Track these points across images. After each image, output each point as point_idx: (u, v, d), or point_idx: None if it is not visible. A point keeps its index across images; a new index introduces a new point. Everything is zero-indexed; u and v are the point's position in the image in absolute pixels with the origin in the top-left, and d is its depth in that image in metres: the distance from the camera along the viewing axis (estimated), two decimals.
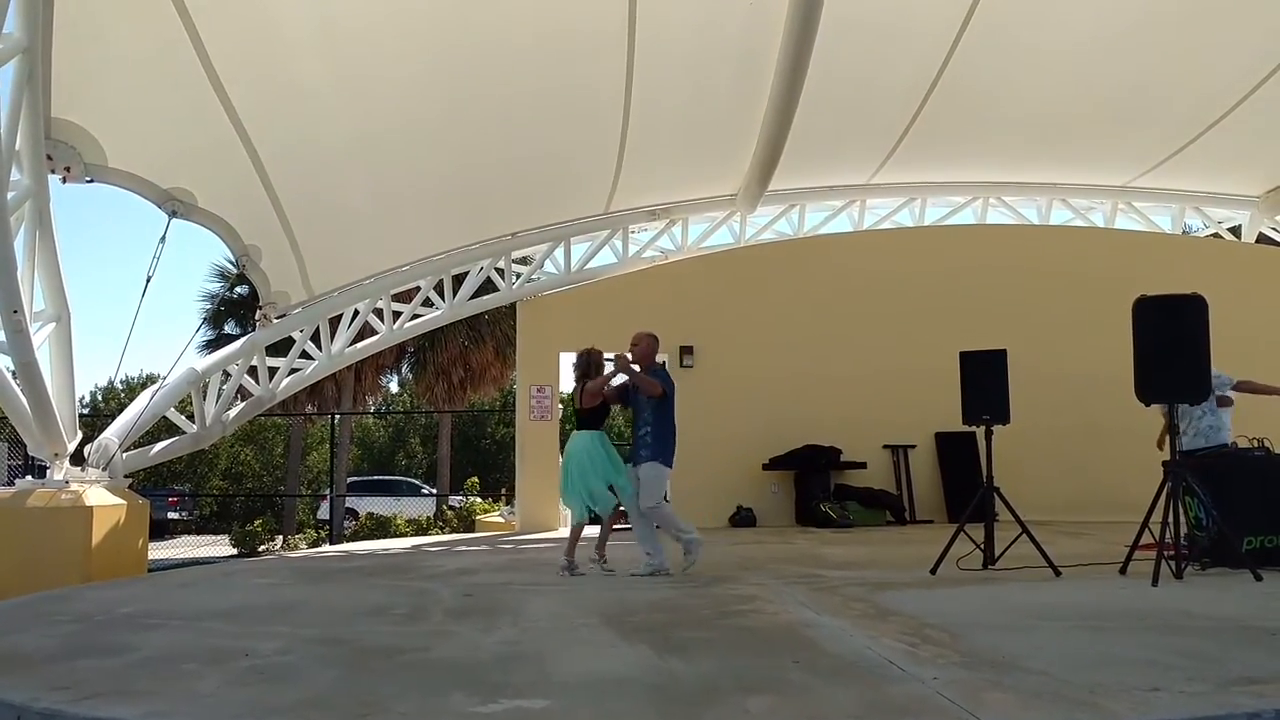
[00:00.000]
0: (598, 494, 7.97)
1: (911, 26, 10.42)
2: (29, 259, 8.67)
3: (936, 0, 10.13)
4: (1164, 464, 7.21)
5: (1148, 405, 7.26)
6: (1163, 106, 12.46)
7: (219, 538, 22.81)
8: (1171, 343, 7.05)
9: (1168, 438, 7.40)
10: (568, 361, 15.00)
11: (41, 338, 8.92)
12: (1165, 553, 6.87)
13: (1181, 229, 16.67)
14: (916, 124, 12.52)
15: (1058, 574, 7.35)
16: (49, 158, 8.77)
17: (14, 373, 8.87)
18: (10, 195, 7.99)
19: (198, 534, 26.34)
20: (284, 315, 12.58)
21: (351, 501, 25.29)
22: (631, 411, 8.24)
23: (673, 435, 8.10)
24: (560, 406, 15.33)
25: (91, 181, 9.40)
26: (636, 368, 8.08)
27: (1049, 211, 16.12)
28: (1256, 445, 8.26)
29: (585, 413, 8.16)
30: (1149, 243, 15.45)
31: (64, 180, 9.15)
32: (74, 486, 9.38)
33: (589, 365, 8.25)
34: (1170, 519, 6.95)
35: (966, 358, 8.27)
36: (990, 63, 11.10)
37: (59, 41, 8.07)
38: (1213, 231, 16.62)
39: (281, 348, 13.07)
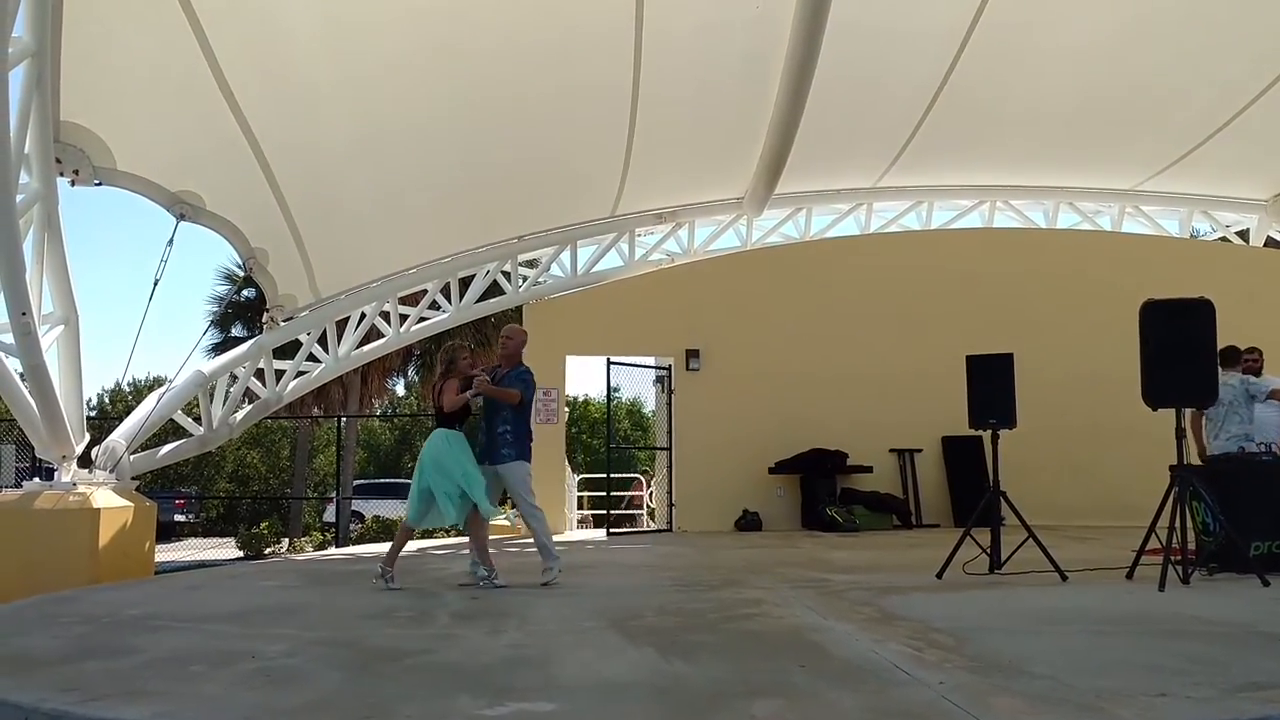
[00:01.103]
0: (447, 497, 7.36)
1: (918, 29, 10.42)
2: (37, 262, 8.69)
3: (943, 3, 10.14)
4: (1171, 468, 7.19)
5: (1155, 410, 7.24)
6: (1170, 110, 12.44)
7: (225, 540, 22.81)
8: (1179, 347, 7.03)
9: (1197, 442, 7.39)
10: (574, 365, 15.09)
11: (50, 340, 8.94)
12: (1172, 558, 6.86)
13: (1189, 232, 16.64)
14: (923, 127, 12.52)
15: (1064, 579, 7.34)
16: (58, 161, 8.79)
17: (22, 375, 8.90)
18: (19, 198, 8.02)
19: (204, 536, 26.39)
20: (291, 318, 12.61)
21: (357, 504, 25.32)
22: (485, 408, 7.76)
23: (530, 433, 7.86)
24: (566, 410, 15.32)
25: (100, 184, 9.43)
26: (488, 384, 7.66)
27: (1056, 215, 16.10)
28: (1264, 450, 8.24)
29: (446, 413, 7.63)
30: (1156, 246, 15.42)
31: (72, 183, 9.18)
32: (81, 489, 9.40)
33: (451, 362, 7.78)
34: (1177, 524, 6.94)
35: (973, 361, 8.26)
36: (997, 66, 11.10)
37: (68, 45, 8.10)
38: (1221, 235, 16.59)
39: (288, 350, 13.10)
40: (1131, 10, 10.37)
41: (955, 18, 10.25)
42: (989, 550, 7.88)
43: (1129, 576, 7.30)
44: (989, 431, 8.01)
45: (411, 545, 14.35)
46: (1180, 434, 7.20)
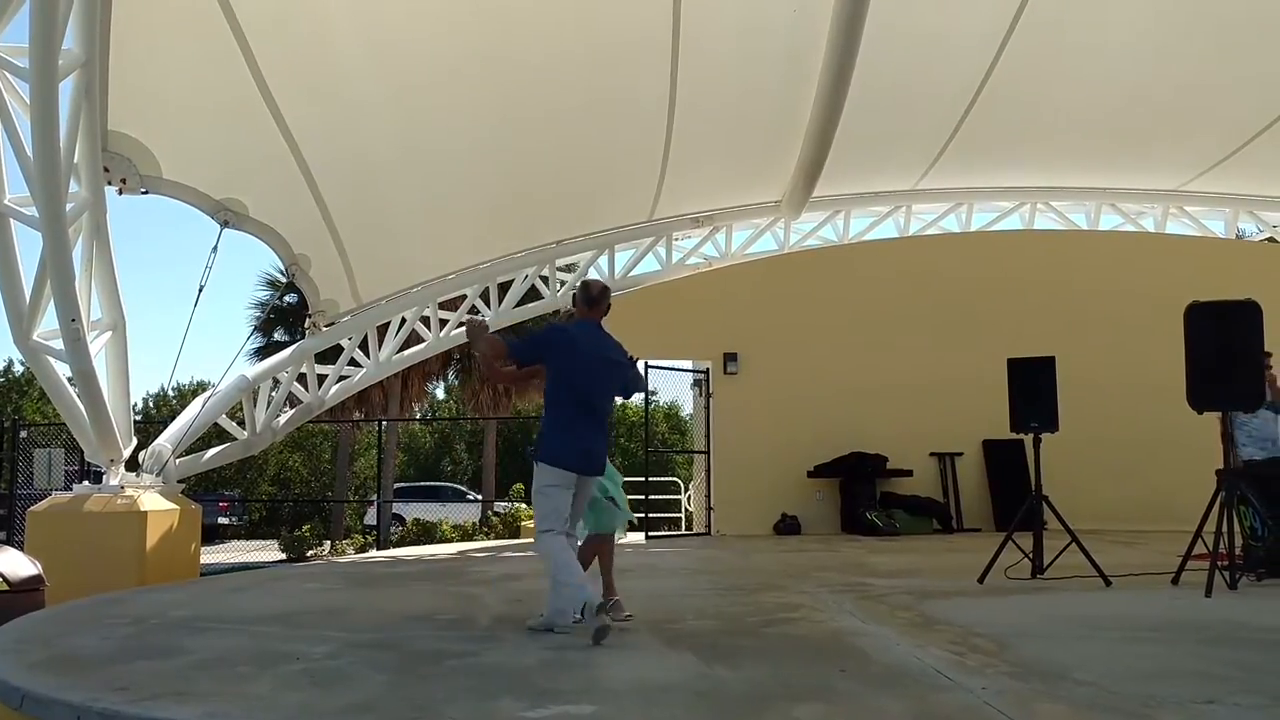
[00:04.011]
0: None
1: (958, 29, 10.34)
2: (86, 269, 8.84)
3: (983, 2, 10.07)
4: (1218, 472, 7.10)
5: (1200, 413, 7.16)
6: (1215, 109, 12.26)
7: (268, 543, 23.08)
8: (1225, 350, 6.95)
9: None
10: None
11: (98, 346, 9.09)
12: (1219, 563, 6.77)
13: (1235, 233, 16.38)
14: (963, 128, 12.42)
15: (1108, 584, 7.27)
16: (106, 170, 8.94)
17: (72, 380, 9.07)
18: (69, 207, 8.17)
19: (247, 539, 26.71)
20: (333, 323, 12.73)
21: (398, 507, 25.55)
22: None
23: (554, 424, 5.70)
24: None
25: (146, 193, 9.59)
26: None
27: (1098, 217, 15.91)
28: None
29: None
30: (1201, 248, 15.21)
31: (120, 192, 9.34)
32: (129, 492, 9.55)
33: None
34: (1224, 529, 6.84)
35: (1015, 365, 8.19)
36: (1038, 65, 10.99)
37: (116, 56, 8.25)
38: (1268, 236, 16.33)
39: (330, 355, 13.22)
40: (1174, 8, 10.24)
41: (995, 17, 10.16)
42: (1031, 555, 7.81)
43: (1175, 582, 7.22)
44: (1031, 435, 7.95)
45: (451, 548, 14.49)
46: (1227, 438, 7.12)
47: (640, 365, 6.76)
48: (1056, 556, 7.74)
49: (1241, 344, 6.91)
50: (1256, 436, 8.04)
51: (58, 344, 8.63)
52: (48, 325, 8.66)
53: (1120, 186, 15.43)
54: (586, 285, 6.04)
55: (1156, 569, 7.83)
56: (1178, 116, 12.46)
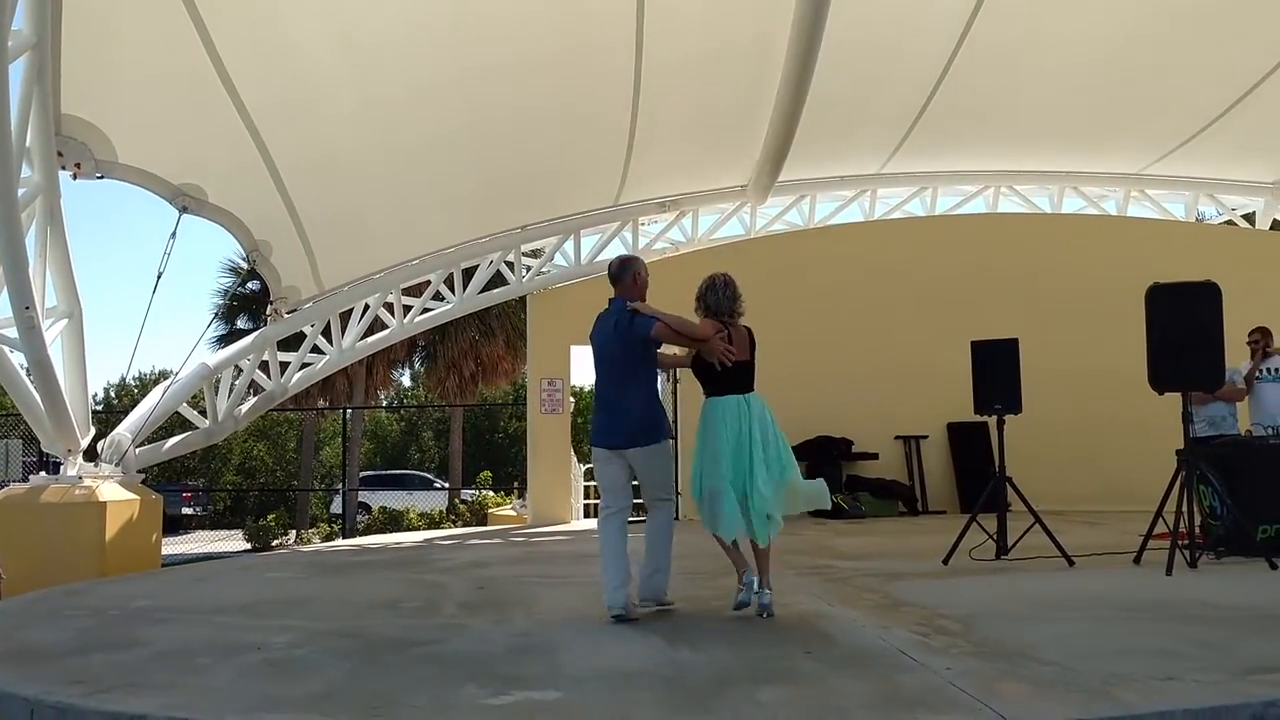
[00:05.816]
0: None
1: (922, 13, 10.36)
2: (40, 255, 8.69)
3: None
4: (1178, 453, 7.18)
5: (1161, 394, 7.23)
6: (1177, 92, 12.36)
7: (232, 532, 22.91)
8: (1185, 331, 7.01)
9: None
10: (579, 354, 15.05)
11: (54, 334, 8.95)
12: (1179, 542, 6.85)
13: (1195, 216, 16.56)
14: (927, 112, 12.45)
15: (1071, 564, 7.34)
16: (59, 154, 8.77)
17: (27, 369, 8.91)
18: (21, 192, 8.01)
19: (211, 529, 26.48)
20: (295, 310, 12.59)
21: (364, 496, 25.44)
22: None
23: None
24: (572, 400, 15.31)
25: (102, 178, 9.41)
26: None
27: (1061, 200, 16.02)
28: (1272, 434, 8.23)
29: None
30: (1162, 230, 15.35)
31: (74, 177, 9.15)
32: (88, 482, 9.41)
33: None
34: (1184, 508, 6.92)
35: (978, 347, 8.23)
36: (1002, 49, 11.02)
37: (68, 38, 8.08)
38: (1226, 219, 16.52)
39: (293, 342, 13.08)
40: None
41: (959, 1, 10.19)
42: (995, 536, 7.87)
43: (1136, 561, 7.30)
44: (994, 417, 7.99)
45: (417, 535, 14.41)
46: (1187, 418, 7.19)
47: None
48: (1020, 537, 7.81)
49: (1202, 325, 6.98)
50: (1202, 413, 8.16)
51: (12, 333, 8.47)
52: (1, 313, 8.50)
53: (1083, 170, 15.54)
54: (608, 266, 6.26)
55: (1118, 549, 7.92)
56: (1139, 101, 12.55)
